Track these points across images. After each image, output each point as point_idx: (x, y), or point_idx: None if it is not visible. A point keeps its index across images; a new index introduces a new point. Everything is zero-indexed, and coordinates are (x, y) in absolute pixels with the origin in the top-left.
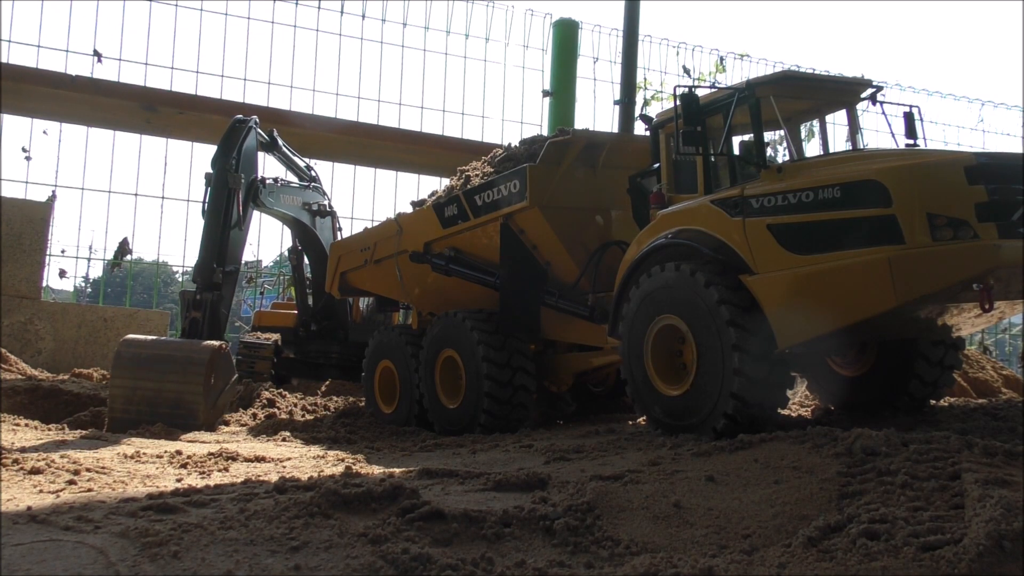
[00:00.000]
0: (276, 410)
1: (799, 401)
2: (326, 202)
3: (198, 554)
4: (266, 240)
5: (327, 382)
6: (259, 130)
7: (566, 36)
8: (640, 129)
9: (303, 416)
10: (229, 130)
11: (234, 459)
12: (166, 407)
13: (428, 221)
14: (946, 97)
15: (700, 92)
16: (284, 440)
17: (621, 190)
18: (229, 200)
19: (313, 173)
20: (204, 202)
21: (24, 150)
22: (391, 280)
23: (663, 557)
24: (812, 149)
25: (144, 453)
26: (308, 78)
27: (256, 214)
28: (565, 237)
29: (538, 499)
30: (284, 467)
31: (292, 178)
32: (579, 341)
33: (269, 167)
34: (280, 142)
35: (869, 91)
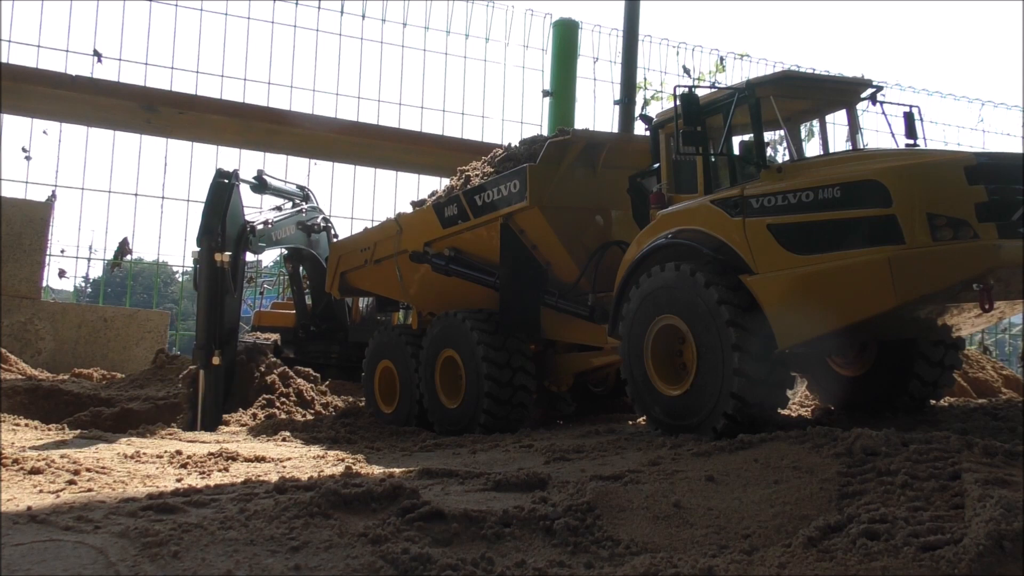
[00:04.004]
0: (276, 410)
1: (799, 401)
2: (320, 219)
3: (198, 554)
4: None
5: (327, 382)
6: (244, 180)
7: (566, 36)
8: (640, 129)
9: (303, 416)
10: (211, 193)
11: (234, 459)
12: None
13: (428, 221)
14: (946, 97)
15: (700, 92)
16: (284, 440)
17: (621, 190)
18: (221, 276)
19: (307, 191)
20: (194, 277)
21: (24, 150)
22: (391, 280)
23: (663, 557)
24: (812, 149)
25: (144, 453)
26: (308, 78)
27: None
28: (565, 237)
29: (538, 499)
30: (284, 467)
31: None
32: (579, 341)
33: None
34: (268, 181)
35: (869, 91)
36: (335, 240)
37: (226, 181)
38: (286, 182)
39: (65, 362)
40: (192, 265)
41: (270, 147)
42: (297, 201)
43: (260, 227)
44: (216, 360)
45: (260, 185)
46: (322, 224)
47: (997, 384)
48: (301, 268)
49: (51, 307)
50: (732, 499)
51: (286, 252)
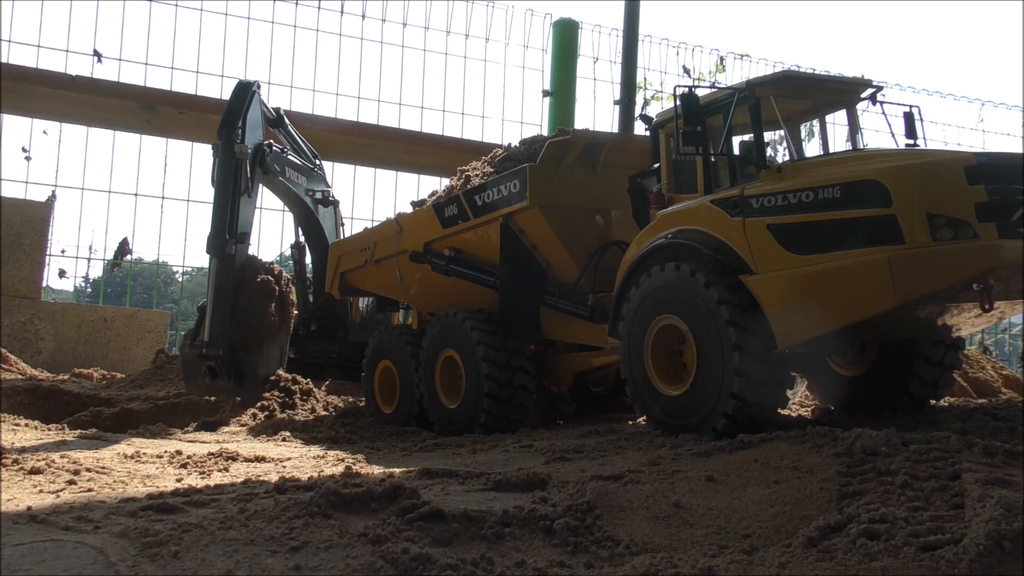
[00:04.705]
0: (275, 409)
1: (799, 401)
2: (329, 191)
3: (198, 554)
4: (266, 238)
5: (327, 382)
6: (265, 103)
7: (566, 36)
8: (640, 129)
9: (303, 416)
10: (233, 96)
11: (234, 459)
12: None
13: (428, 221)
14: (946, 97)
15: (700, 92)
16: (284, 440)
17: (621, 190)
18: (237, 169)
19: (317, 161)
20: (212, 172)
21: (24, 150)
22: (391, 280)
23: (663, 557)
24: (812, 149)
25: (144, 453)
26: (308, 78)
27: (259, 200)
28: (565, 237)
29: (538, 499)
30: (284, 467)
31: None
32: (579, 341)
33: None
34: (287, 120)
35: (869, 91)
36: (339, 228)
37: (244, 90)
38: (304, 140)
39: (65, 362)
40: (211, 157)
41: None
42: (309, 165)
43: (277, 148)
44: (231, 250)
45: (278, 119)
46: (331, 198)
47: (997, 384)
48: (307, 260)
49: (51, 307)
50: (732, 499)
51: (293, 240)
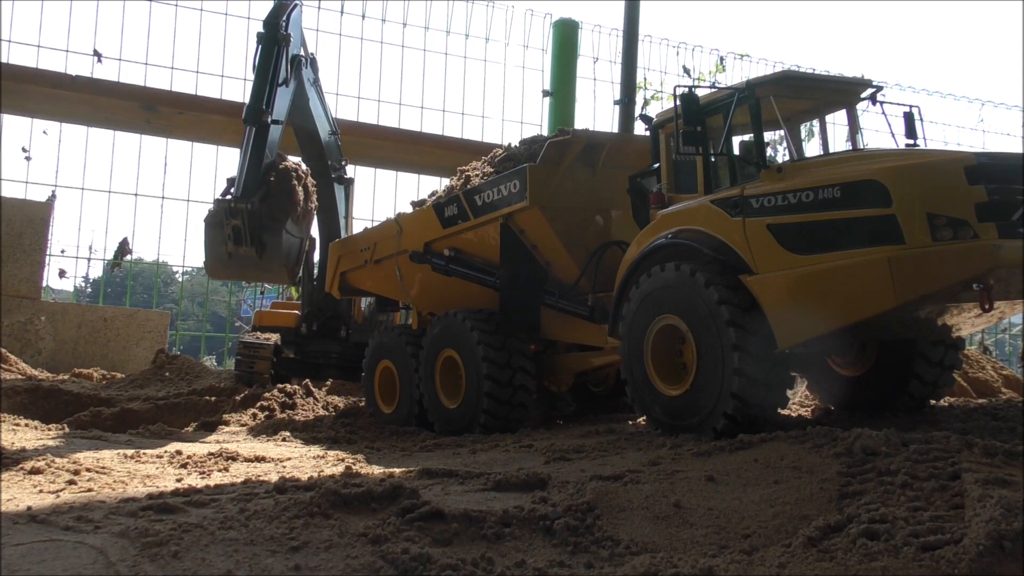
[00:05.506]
0: (275, 409)
1: (799, 401)
2: (345, 165)
3: (198, 554)
4: None
5: (327, 382)
6: (305, 39)
7: (566, 36)
8: (640, 129)
9: (303, 416)
10: (276, 5)
11: (234, 459)
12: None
13: (428, 221)
14: (946, 97)
15: (700, 92)
16: (284, 440)
17: (621, 190)
18: (278, 56)
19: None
20: (255, 58)
21: (24, 150)
22: (391, 280)
23: (663, 557)
24: (812, 149)
25: (144, 453)
26: None
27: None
28: (565, 237)
29: (538, 499)
30: (284, 467)
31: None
32: (579, 341)
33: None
34: (319, 67)
35: (869, 91)
36: (350, 209)
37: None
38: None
39: (65, 362)
40: (255, 45)
41: None
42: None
43: (313, 77)
44: (267, 119)
45: (311, 59)
46: (346, 176)
47: (997, 384)
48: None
49: (51, 307)
50: (732, 499)
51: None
